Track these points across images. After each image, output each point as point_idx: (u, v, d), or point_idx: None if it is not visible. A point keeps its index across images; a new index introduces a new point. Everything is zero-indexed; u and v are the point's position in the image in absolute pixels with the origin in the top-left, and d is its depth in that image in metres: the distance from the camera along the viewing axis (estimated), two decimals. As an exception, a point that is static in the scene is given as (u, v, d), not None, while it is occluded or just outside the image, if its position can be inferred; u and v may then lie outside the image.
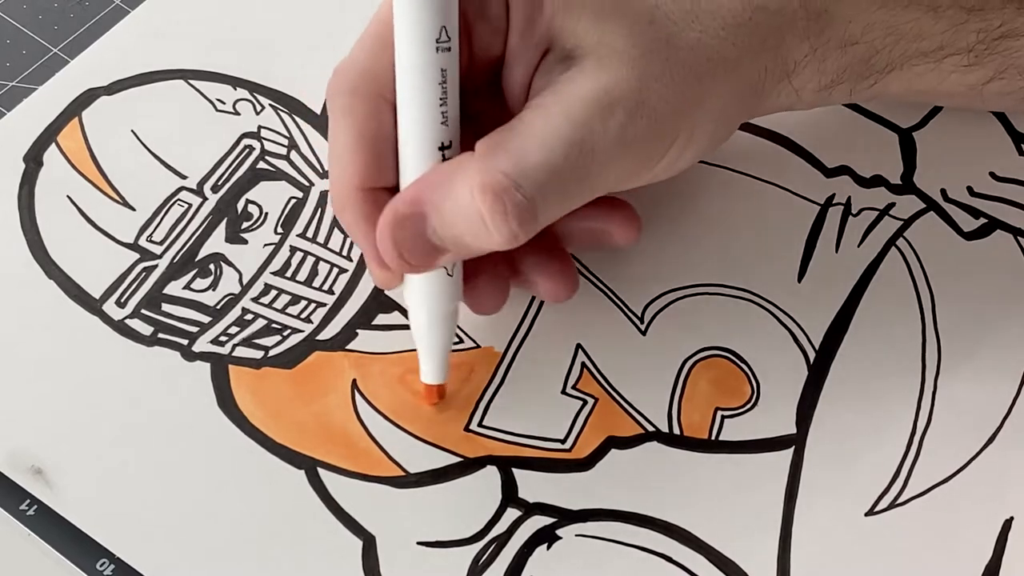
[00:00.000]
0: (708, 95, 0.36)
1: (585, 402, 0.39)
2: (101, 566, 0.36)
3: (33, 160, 0.44)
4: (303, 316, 0.41)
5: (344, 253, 0.42)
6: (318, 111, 0.46)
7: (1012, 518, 0.37)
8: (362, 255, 0.42)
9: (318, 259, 0.42)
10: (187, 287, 0.41)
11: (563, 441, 0.39)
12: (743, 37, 0.36)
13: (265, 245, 0.42)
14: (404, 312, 0.41)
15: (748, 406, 0.39)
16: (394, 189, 0.35)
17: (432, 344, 0.38)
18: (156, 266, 0.42)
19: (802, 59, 0.37)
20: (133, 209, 0.43)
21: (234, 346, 0.40)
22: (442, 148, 0.34)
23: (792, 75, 0.38)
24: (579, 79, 0.34)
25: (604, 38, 0.34)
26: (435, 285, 0.36)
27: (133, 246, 0.42)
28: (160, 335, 0.40)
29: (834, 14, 0.37)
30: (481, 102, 0.36)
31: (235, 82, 0.46)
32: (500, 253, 0.36)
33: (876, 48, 0.38)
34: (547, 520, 0.37)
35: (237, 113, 0.45)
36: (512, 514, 0.37)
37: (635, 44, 0.34)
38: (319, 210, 0.43)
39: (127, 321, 0.41)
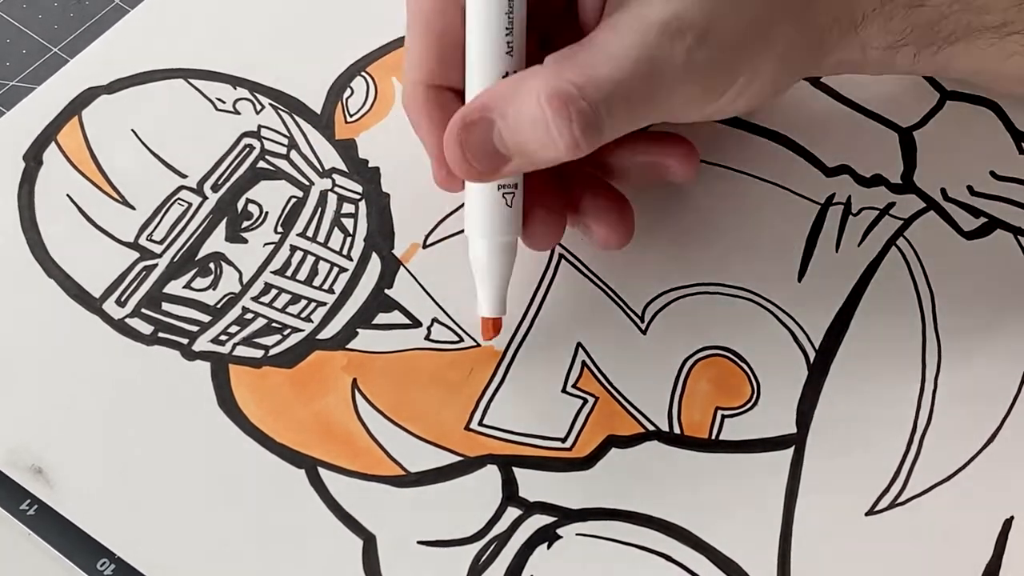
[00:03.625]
0: (776, 36, 0.36)
1: (585, 401, 0.39)
2: (102, 566, 0.36)
3: (33, 159, 0.44)
4: (303, 315, 0.41)
5: (344, 252, 0.42)
6: (318, 111, 0.46)
7: (1012, 517, 0.37)
8: (363, 253, 0.42)
9: (318, 258, 0.42)
10: (187, 286, 0.41)
11: (563, 440, 0.39)
12: None
13: (265, 244, 0.42)
14: (404, 312, 0.41)
15: (748, 405, 0.39)
16: (460, 93, 0.37)
17: (491, 275, 0.38)
18: (156, 265, 0.42)
19: (870, 12, 0.37)
20: (133, 208, 0.43)
21: (234, 345, 0.40)
22: (506, 77, 0.35)
23: (860, 26, 0.37)
24: (652, 2, 0.34)
25: None
26: (494, 215, 0.37)
27: (133, 245, 0.42)
28: (160, 334, 0.40)
29: None
30: (558, 25, 0.37)
31: (235, 81, 0.46)
32: (559, 191, 0.38)
33: (943, 13, 0.37)
34: (547, 519, 0.37)
35: (237, 112, 0.45)
36: (512, 513, 0.37)
37: None
38: (319, 209, 0.43)
39: (127, 320, 0.41)
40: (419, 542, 0.37)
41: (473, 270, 0.39)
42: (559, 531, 0.37)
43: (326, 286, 0.42)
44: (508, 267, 0.38)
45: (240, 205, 0.43)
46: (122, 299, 0.41)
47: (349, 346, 0.40)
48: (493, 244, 0.38)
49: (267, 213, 0.43)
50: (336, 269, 0.42)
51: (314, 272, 0.42)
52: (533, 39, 0.37)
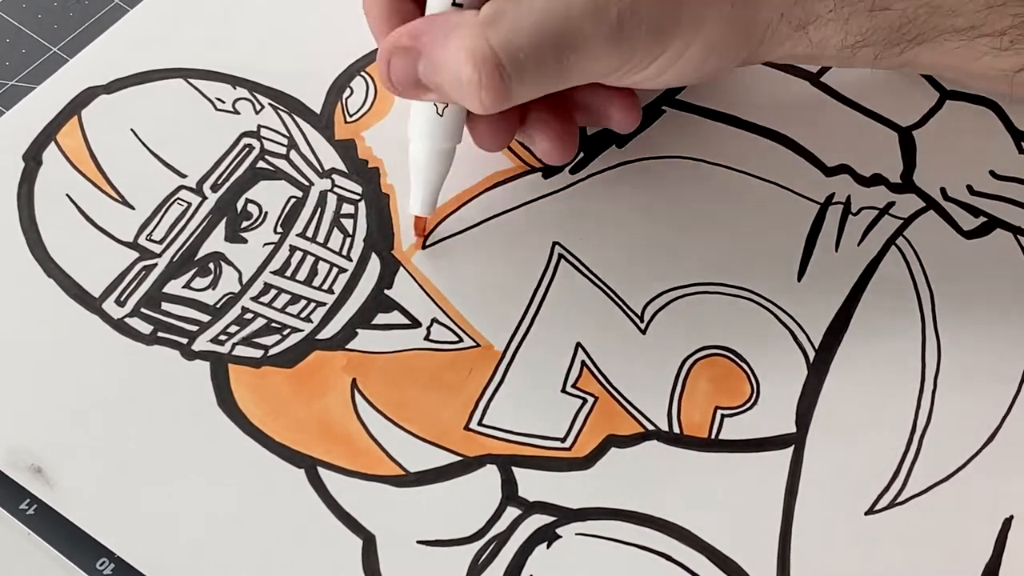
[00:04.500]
0: (707, 21, 0.36)
1: (585, 401, 0.39)
2: (101, 565, 0.36)
3: (32, 159, 0.44)
4: (303, 315, 0.41)
5: (344, 253, 0.42)
6: (318, 111, 0.46)
7: (1012, 517, 0.37)
8: (362, 253, 0.42)
9: (318, 258, 0.42)
10: (187, 286, 0.41)
11: (563, 440, 0.39)
12: None
13: (265, 244, 0.42)
14: (403, 312, 0.41)
15: (748, 405, 0.39)
16: (422, 4, 0.38)
17: (422, 176, 0.40)
18: (155, 265, 0.42)
19: (826, 13, 0.37)
20: (132, 208, 0.43)
21: (234, 345, 0.40)
22: (456, 4, 0.37)
23: (811, 27, 0.37)
24: None
25: None
26: (428, 122, 0.40)
27: (133, 245, 0.42)
28: (160, 334, 0.40)
29: None
30: None
31: (235, 81, 0.46)
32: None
33: (908, 17, 0.37)
34: (547, 519, 0.37)
35: (237, 112, 0.45)
36: (512, 513, 0.37)
37: None
38: (319, 209, 0.43)
39: (127, 320, 0.41)
40: (419, 542, 0.37)
41: (411, 171, 0.41)
42: (559, 531, 0.37)
43: (326, 286, 0.42)
44: (441, 172, 0.41)
45: (240, 205, 0.43)
46: (121, 299, 0.41)
47: (349, 346, 0.40)
48: (426, 147, 0.40)
49: (267, 213, 0.43)
50: (336, 269, 0.42)
51: (314, 272, 0.42)
52: None
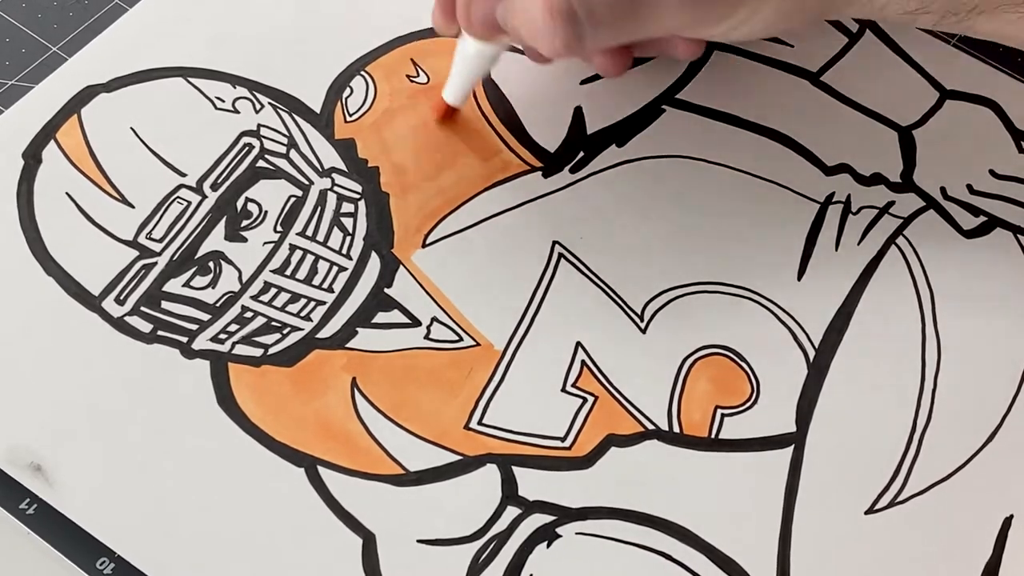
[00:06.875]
0: None
1: (585, 400, 0.39)
2: (101, 564, 0.36)
3: (32, 157, 0.44)
4: (303, 314, 0.41)
5: (344, 251, 0.42)
6: (318, 110, 0.46)
7: (1012, 516, 0.37)
8: (362, 252, 0.42)
9: (317, 257, 0.42)
10: (186, 285, 0.41)
11: (563, 439, 0.39)
12: None
13: (264, 243, 0.42)
14: (403, 311, 0.41)
15: (748, 404, 0.39)
16: None
17: (465, 68, 0.42)
18: (155, 263, 0.42)
19: None
20: (132, 206, 0.43)
21: (234, 344, 0.40)
22: None
23: None
24: None
25: None
26: None
27: (132, 243, 0.42)
28: (159, 332, 0.40)
29: None
30: None
31: (234, 80, 0.46)
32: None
33: None
34: (547, 518, 0.37)
35: (236, 111, 0.45)
36: (512, 512, 0.37)
37: None
38: (319, 208, 0.43)
39: (126, 318, 0.41)
40: (419, 541, 0.37)
41: (454, 62, 0.42)
42: (558, 530, 0.37)
43: (325, 285, 0.42)
44: (482, 67, 0.42)
45: (239, 204, 0.43)
46: (121, 297, 0.41)
47: (349, 345, 0.40)
48: (478, 44, 0.41)
49: (266, 212, 0.43)
50: (335, 268, 0.42)
51: (313, 271, 0.42)
52: None
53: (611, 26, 0.37)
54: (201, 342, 0.40)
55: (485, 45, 0.41)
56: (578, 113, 0.45)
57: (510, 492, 0.38)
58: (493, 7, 0.38)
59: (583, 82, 0.46)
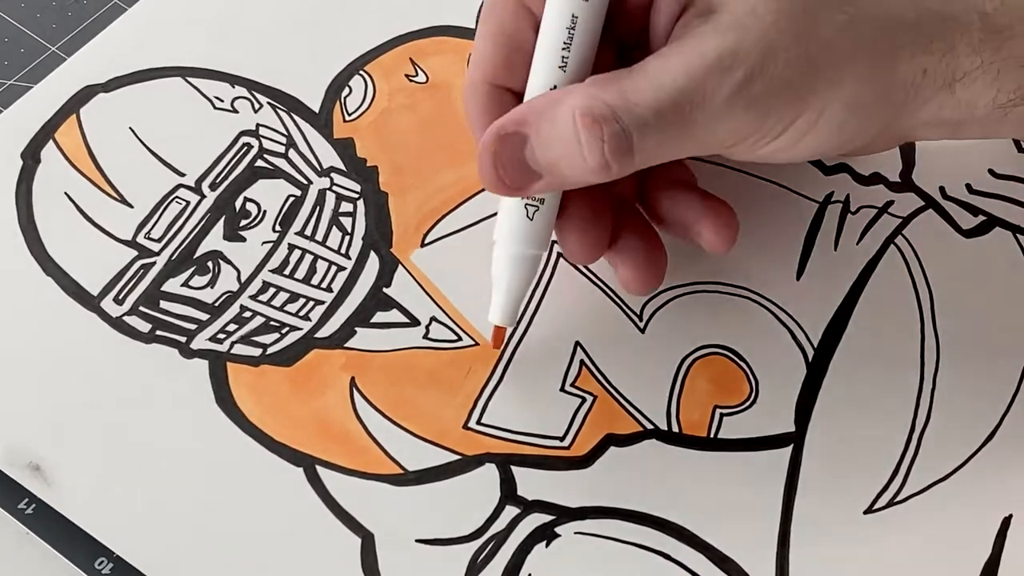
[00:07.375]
0: (844, 79, 0.34)
1: (584, 400, 0.39)
2: (100, 565, 0.36)
3: (31, 157, 0.44)
4: (301, 314, 0.41)
5: (342, 251, 0.42)
6: (316, 109, 0.46)
7: (1011, 515, 0.37)
8: (361, 251, 0.42)
9: (316, 257, 0.42)
10: (185, 284, 0.41)
11: (562, 439, 0.39)
12: (903, 35, 0.34)
13: (263, 243, 0.42)
14: (402, 310, 0.41)
15: (747, 404, 0.39)
16: (522, 96, 0.36)
17: (505, 283, 0.38)
18: (154, 263, 0.42)
19: (973, 70, 0.34)
20: (131, 206, 0.43)
21: (232, 343, 0.40)
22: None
23: (957, 84, 0.34)
24: (709, 34, 0.33)
25: None
26: (515, 226, 0.37)
27: (131, 243, 0.42)
28: (158, 332, 0.40)
29: (1019, 33, 0.34)
30: (636, 42, 0.37)
31: (233, 80, 0.46)
32: (600, 217, 0.37)
33: None
34: (546, 518, 0.37)
35: (235, 111, 0.45)
36: (511, 512, 0.37)
37: (775, 9, 0.33)
38: (317, 208, 0.43)
39: (125, 318, 0.41)
40: (417, 540, 0.37)
41: (492, 277, 0.38)
42: (557, 530, 0.37)
43: (324, 284, 0.42)
44: (524, 280, 0.38)
45: (238, 203, 0.43)
46: (120, 297, 0.41)
47: (347, 345, 0.40)
48: (512, 253, 0.37)
49: (265, 212, 0.43)
50: (334, 268, 0.42)
51: (312, 271, 0.42)
52: (610, 54, 0.37)
53: (659, 129, 0.33)
54: (200, 342, 0.40)
55: (519, 250, 0.37)
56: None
57: (509, 492, 0.38)
58: (521, 148, 0.34)
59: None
